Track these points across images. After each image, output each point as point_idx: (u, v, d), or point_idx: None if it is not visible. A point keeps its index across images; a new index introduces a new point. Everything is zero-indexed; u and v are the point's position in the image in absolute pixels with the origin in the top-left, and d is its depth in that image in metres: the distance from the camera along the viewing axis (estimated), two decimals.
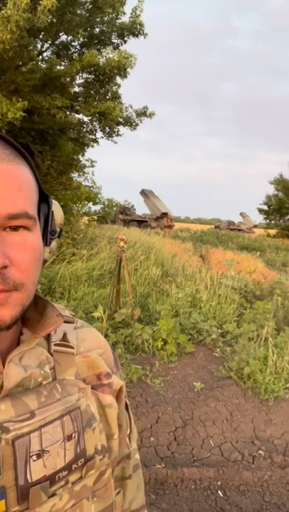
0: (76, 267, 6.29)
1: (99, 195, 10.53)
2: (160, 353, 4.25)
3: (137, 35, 8.99)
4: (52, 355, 0.58)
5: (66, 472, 0.52)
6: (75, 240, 7.75)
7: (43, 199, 0.60)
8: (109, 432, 0.62)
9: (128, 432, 0.71)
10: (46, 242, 0.60)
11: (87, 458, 0.55)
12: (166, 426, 3.11)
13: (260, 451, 2.94)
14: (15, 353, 0.53)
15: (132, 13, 8.78)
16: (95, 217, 10.57)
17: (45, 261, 0.60)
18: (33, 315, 0.60)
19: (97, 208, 10.62)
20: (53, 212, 0.61)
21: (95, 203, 10.73)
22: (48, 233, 0.60)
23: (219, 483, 2.61)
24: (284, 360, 3.87)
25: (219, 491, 2.55)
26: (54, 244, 0.62)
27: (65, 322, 0.64)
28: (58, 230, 0.63)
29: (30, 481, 0.48)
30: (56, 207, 0.62)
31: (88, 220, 10.58)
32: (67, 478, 0.52)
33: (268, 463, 2.84)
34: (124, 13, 8.89)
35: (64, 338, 0.62)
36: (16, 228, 0.50)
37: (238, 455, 2.88)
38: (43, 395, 0.52)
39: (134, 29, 8.89)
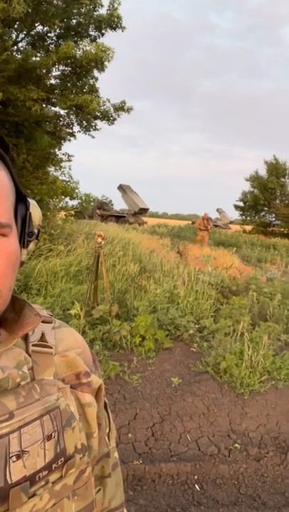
0: (53, 262, 6.20)
1: (76, 190, 10.40)
2: (138, 349, 4.25)
3: (114, 28, 8.89)
4: (30, 355, 0.58)
5: (46, 472, 0.52)
6: (52, 236, 7.64)
7: (21, 199, 0.59)
8: (88, 430, 0.62)
9: (107, 430, 0.71)
10: (23, 244, 0.59)
11: (67, 457, 0.55)
12: (144, 422, 3.13)
13: (236, 445, 3.00)
14: None
15: (109, 6, 8.67)
16: (72, 212, 10.44)
17: (22, 263, 0.60)
18: (10, 315, 0.59)
19: (75, 202, 10.48)
20: (30, 213, 0.60)
21: (72, 198, 10.58)
22: (25, 235, 0.60)
23: (196, 477, 2.65)
24: (259, 355, 3.95)
25: (196, 485, 2.59)
26: (32, 245, 0.62)
27: (43, 322, 0.63)
28: (36, 231, 0.62)
29: (10, 482, 0.47)
30: (34, 207, 0.62)
31: (65, 215, 10.44)
32: (48, 477, 0.52)
33: (243, 456, 2.90)
34: (101, 5, 8.76)
35: (42, 338, 0.61)
36: None
37: (214, 449, 2.93)
38: (21, 395, 0.52)
39: (112, 22, 8.78)
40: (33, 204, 0.61)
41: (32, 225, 0.61)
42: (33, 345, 0.59)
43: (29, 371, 0.56)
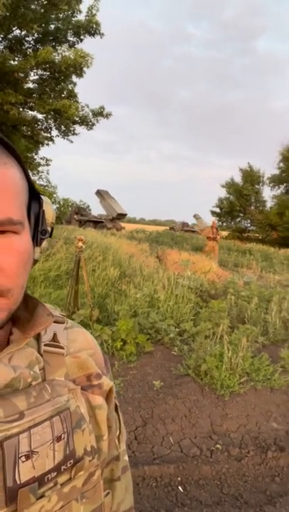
0: (32, 268, 6.12)
1: (54, 195, 10.33)
2: (119, 353, 4.25)
3: (93, 35, 8.95)
4: (42, 355, 0.58)
5: (55, 473, 0.51)
6: None
7: (34, 197, 0.59)
8: (98, 433, 0.62)
9: (117, 433, 0.71)
10: (37, 242, 0.59)
11: (77, 459, 0.54)
12: (127, 426, 3.12)
13: (218, 445, 3.04)
14: (4, 354, 0.53)
15: (87, 12, 8.73)
16: None
17: (35, 261, 0.60)
18: (23, 314, 0.59)
19: (53, 207, 10.41)
20: (43, 211, 0.60)
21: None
22: (38, 233, 0.59)
23: (179, 478, 2.67)
24: (238, 357, 4.02)
25: (179, 487, 2.60)
26: (45, 243, 0.61)
27: (56, 322, 0.64)
28: (49, 229, 0.62)
29: (18, 483, 0.47)
30: (47, 205, 0.61)
31: None
32: (56, 479, 0.52)
33: (225, 456, 2.94)
34: (80, 12, 8.82)
35: (54, 338, 0.61)
36: (1, 232, 0.50)
37: (196, 450, 2.96)
38: (32, 395, 0.52)
39: (91, 28, 8.85)
40: (46, 202, 0.61)
41: (45, 222, 0.60)
42: (45, 345, 0.59)
43: (40, 371, 0.56)
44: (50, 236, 0.62)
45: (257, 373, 4.04)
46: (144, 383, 3.80)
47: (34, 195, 0.59)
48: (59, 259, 6.80)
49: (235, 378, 3.85)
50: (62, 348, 0.61)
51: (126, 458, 0.74)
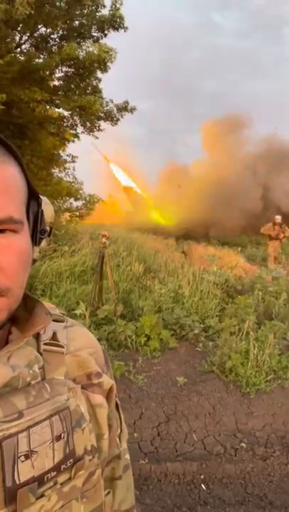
0: (58, 263, 6.22)
1: (80, 191, 10.43)
2: (143, 349, 4.25)
3: (117, 29, 8.90)
4: (41, 354, 0.57)
5: (55, 473, 0.51)
6: (57, 236, 7.67)
7: (33, 196, 0.59)
8: (99, 432, 0.61)
9: (118, 431, 0.70)
10: (36, 241, 0.59)
11: (77, 458, 0.54)
12: (150, 421, 3.12)
13: (242, 444, 2.98)
14: (2, 353, 0.53)
15: (111, 6, 8.68)
16: (77, 213, 10.46)
17: (34, 261, 0.60)
18: (22, 314, 0.59)
19: (79, 203, 10.52)
20: (42, 210, 0.60)
21: (76, 199, 10.62)
22: (37, 232, 0.59)
23: (202, 476, 2.64)
24: (265, 354, 3.92)
25: (202, 485, 2.58)
26: (44, 243, 0.62)
27: (55, 321, 0.63)
28: (48, 228, 0.62)
29: (18, 483, 0.47)
30: (46, 205, 0.61)
31: (70, 216, 10.47)
32: (56, 479, 0.51)
33: (249, 455, 2.89)
34: (104, 6, 8.78)
35: (54, 337, 0.61)
36: (1, 231, 0.50)
37: (220, 448, 2.92)
38: (31, 394, 0.51)
39: (114, 22, 8.80)
40: (45, 201, 0.61)
41: (44, 222, 0.60)
42: (44, 344, 0.59)
43: (40, 370, 0.55)
44: (49, 236, 0.62)
45: (285, 371, 3.93)
46: (167, 379, 3.78)
47: (33, 194, 0.59)
48: (84, 255, 6.87)
49: (262, 376, 3.76)
50: (61, 346, 0.61)
51: (127, 456, 0.73)
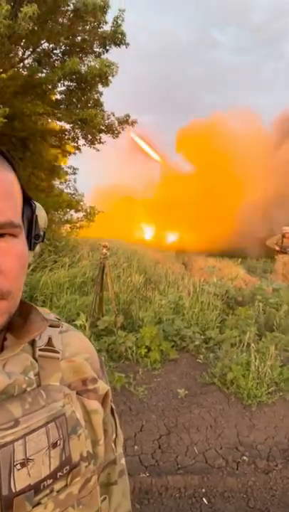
0: (58, 274, 6.22)
1: (81, 203, 10.49)
2: (144, 361, 4.22)
3: (118, 45, 9.06)
4: (36, 360, 0.57)
5: (51, 480, 0.51)
6: (57, 248, 7.69)
7: (26, 202, 0.60)
8: (94, 438, 0.61)
9: (114, 437, 0.70)
10: (30, 246, 0.60)
11: (73, 465, 0.54)
12: (150, 434, 3.09)
13: (244, 457, 2.94)
14: None
15: (113, 22, 8.86)
16: (78, 224, 10.50)
17: (28, 265, 0.60)
18: (17, 320, 0.58)
19: (80, 215, 10.57)
20: (36, 216, 0.61)
21: (76, 210, 10.67)
22: (31, 237, 0.60)
23: (204, 490, 2.60)
24: (266, 366, 3.90)
25: (204, 499, 2.54)
26: (38, 248, 0.62)
27: (51, 326, 0.63)
28: (42, 233, 0.62)
29: (14, 491, 0.47)
30: (40, 210, 0.62)
31: (70, 227, 10.51)
32: (53, 486, 0.51)
33: (251, 468, 2.85)
34: (105, 22, 8.96)
35: (49, 342, 0.61)
36: (1, 235, 0.51)
37: (222, 461, 2.88)
38: (27, 402, 0.51)
39: (116, 38, 8.97)
40: (38, 207, 0.62)
41: (38, 227, 0.61)
42: (39, 350, 0.59)
43: (35, 376, 0.55)
44: (43, 241, 0.63)
45: (286, 383, 3.90)
46: (168, 391, 3.75)
47: (26, 200, 0.59)
48: (84, 266, 6.88)
49: (263, 388, 3.73)
50: (57, 352, 0.60)
51: (123, 462, 0.73)
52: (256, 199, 17.54)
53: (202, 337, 4.87)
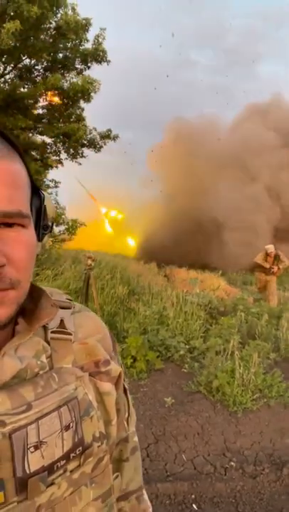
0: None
1: (63, 216, 10.47)
2: (129, 371, 4.23)
3: (100, 62, 9.27)
4: (49, 342, 0.57)
5: (64, 461, 0.52)
6: (40, 260, 7.64)
7: (35, 192, 0.59)
8: (107, 418, 0.62)
9: (126, 415, 0.71)
10: (38, 237, 0.58)
11: (85, 446, 0.55)
12: (139, 443, 3.08)
13: (232, 463, 2.98)
14: (10, 346, 0.53)
15: (94, 40, 9.08)
16: (60, 237, 10.45)
17: (36, 256, 0.59)
18: (28, 305, 0.58)
19: (62, 228, 10.53)
20: (45, 206, 0.60)
21: (58, 224, 10.63)
22: (40, 228, 0.59)
23: (193, 496, 2.61)
24: (250, 373, 3.97)
25: (194, 505, 2.55)
26: (45, 238, 0.61)
27: (62, 307, 0.63)
28: (50, 224, 0.61)
29: (28, 472, 0.48)
30: (48, 200, 0.61)
31: (52, 241, 10.44)
32: (66, 466, 0.52)
33: (239, 474, 2.88)
34: (87, 40, 9.17)
35: (61, 324, 0.61)
36: (10, 225, 0.50)
37: (210, 467, 2.91)
38: (39, 385, 0.52)
39: (98, 56, 9.18)
40: (47, 197, 0.61)
41: (47, 218, 0.60)
42: (51, 332, 0.59)
43: (47, 359, 0.56)
44: (51, 231, 0.63)
45: (270, 390, 3.97)
46: (155, 401, 3.76)
47: (35, 190, 0.59)
48: (68, 278, 6.86)
49: (248, 395, 3.79)
50: (69, 334, 0.61)
51: (135, 439, 0.74)
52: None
53: (187, 346, 4.92)
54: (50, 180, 10.82)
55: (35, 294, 0.59)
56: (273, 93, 22.53)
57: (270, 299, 8.34)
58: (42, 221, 0.59)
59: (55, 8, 8.21)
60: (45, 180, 10.68)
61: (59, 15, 8.38)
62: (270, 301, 8.20)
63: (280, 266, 8.64)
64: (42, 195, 0.59)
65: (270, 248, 8.71)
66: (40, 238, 0.59)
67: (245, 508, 2.57)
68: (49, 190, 10.74)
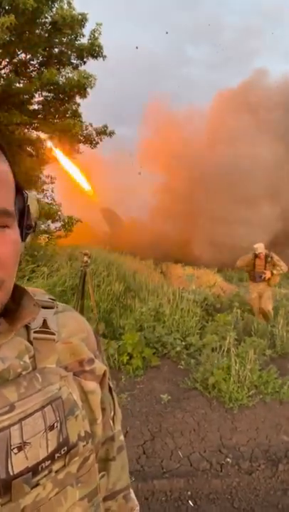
0: (37, 283, 6.15)
1: (58, 212, 10.42)
2: (126, 368, 4.23)
3: (96, 57, 9.19)
4: (31, 343, 0.57)
5: (49, 462, 0.51)
6: (35, 257, 7.60)
7: (18, 192, 0.59)
8: (92, 417, 0.61)
9: (112, 414, 0.71)
10: (22, 236, 0.59)
11: (71, 446, 0.54)
12: (135, 440, 3.09)
13: (228, 459, 2.99)
14: None
15: (90, 36, 8.99)
16: (55, 234, 10.40)
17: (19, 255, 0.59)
18: (10, 305, 0.58)
19: (57, 225, 10.49)
20: (28, 206, 0.60)
21: (54, 220, 10.59)
22: (23, 228, 0.59)
23: (189, 493, 2.62)
24: (246, 369, 3.98)
25: (190, 501, 2.55)
26: (29, 238, 0.62)
27: (45, 308, 0.63)
28: (33, 224, 0.62)
29: (12, 474, 0.47)
30: (32, 200, 0.61)
31: (48, 237, 10.40)
32: (51, 467, 0.52)
33: (235, 470, 2.89)
34: (83, 35, 9.08)
35: (44, 324, 0.60)
36: None
37: (206, 464, 2.91)
38: (22, 386, 0.51)
39: (93, 51, 9.09)
40: (30, 197, 0.61)
41: (30, 217, 0.60)
42: (34, 332, 0.58)
43: (30, 359, 0.55)
44: (34, 231, 0.63)
45: (265, 386, 3.99)
46: (151, 397, 3.76)
47: (18, 190, 0.59)
48: (64, 275, 6.83)
49: (244, 391, 3.80)
50: (53, 333, 0.60)
51: (121, 438, 0.74)
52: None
53: (183, 343, 4.92)
54: (46, 177, 10.76)
55: (17, 294, 0.59)
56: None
57: (260, 313, 6.46)
58: (25, 221, 0.59)
59: (50, 3, 8.12)
60: (41, 176, 10.63)
61: (54, 9, 8.29)
62: (259, 315, 6.41)
63: (274, 271, 6.45)
64: (25, 194, 0.59)
65: (260, 248, 6.55)
66: (23, 238, 0.59)
67: (241, 504, 2.58)
68: (45, 186, 10.69)
